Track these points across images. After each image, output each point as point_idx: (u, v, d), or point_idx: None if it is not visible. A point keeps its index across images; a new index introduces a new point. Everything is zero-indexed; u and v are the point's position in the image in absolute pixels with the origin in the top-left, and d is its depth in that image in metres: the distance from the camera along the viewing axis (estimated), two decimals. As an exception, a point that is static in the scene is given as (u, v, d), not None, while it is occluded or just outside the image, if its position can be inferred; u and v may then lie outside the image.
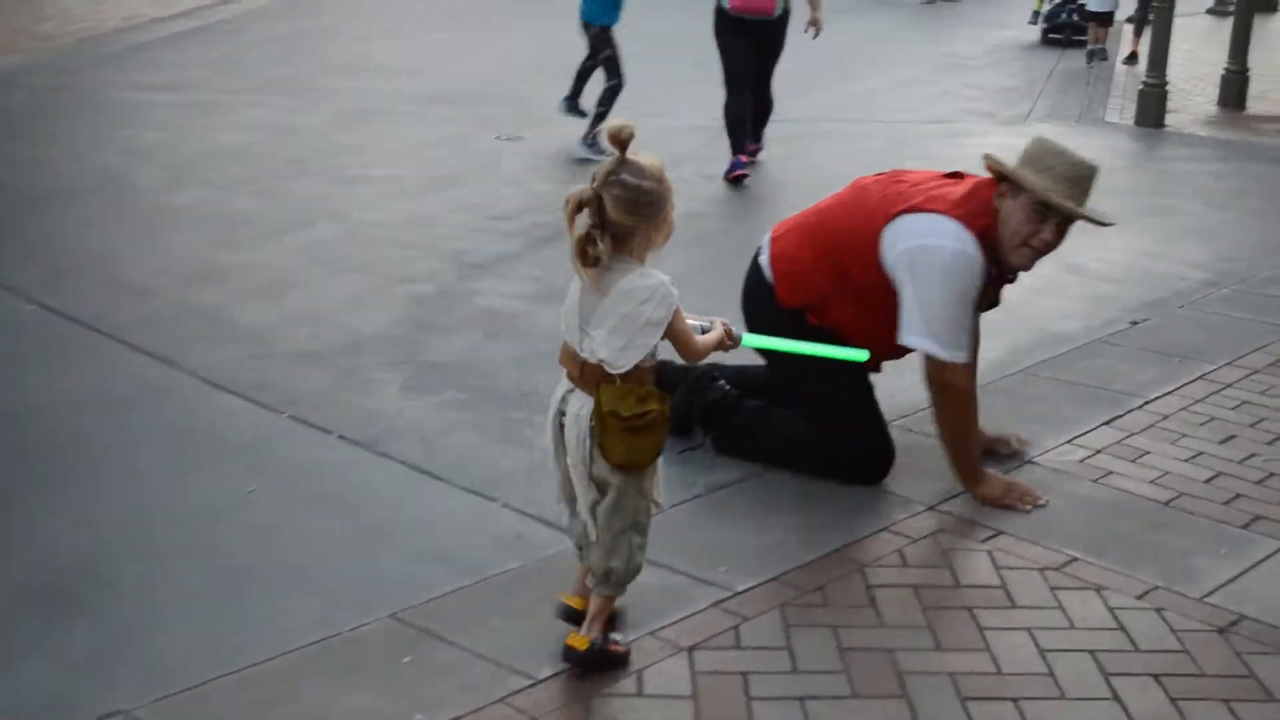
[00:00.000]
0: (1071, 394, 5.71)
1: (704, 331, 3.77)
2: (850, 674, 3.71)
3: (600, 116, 10.19)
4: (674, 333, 3.61)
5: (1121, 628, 3.98)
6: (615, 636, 3.78)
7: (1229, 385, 5.84)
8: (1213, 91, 13.17)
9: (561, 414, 3.68)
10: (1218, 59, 13.63)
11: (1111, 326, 6.64)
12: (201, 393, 5.63)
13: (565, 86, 10.80)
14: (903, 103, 12.77)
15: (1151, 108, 11.98)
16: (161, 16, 16.18)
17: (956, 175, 4.85)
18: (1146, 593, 4.17)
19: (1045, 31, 17.11)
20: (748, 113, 9.83)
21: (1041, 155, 4.55)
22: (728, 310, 4.31)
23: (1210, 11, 19.45)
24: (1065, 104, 12.95)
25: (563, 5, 13.32)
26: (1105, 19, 15.81)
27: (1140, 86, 12.21)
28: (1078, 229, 4.65)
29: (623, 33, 11.10)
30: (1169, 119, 12.05)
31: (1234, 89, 12.87)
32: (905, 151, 10.49)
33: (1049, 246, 4.61)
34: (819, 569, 4.27)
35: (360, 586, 4.16)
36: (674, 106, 11.70)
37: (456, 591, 4.14)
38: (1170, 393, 5.74)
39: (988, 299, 4.81)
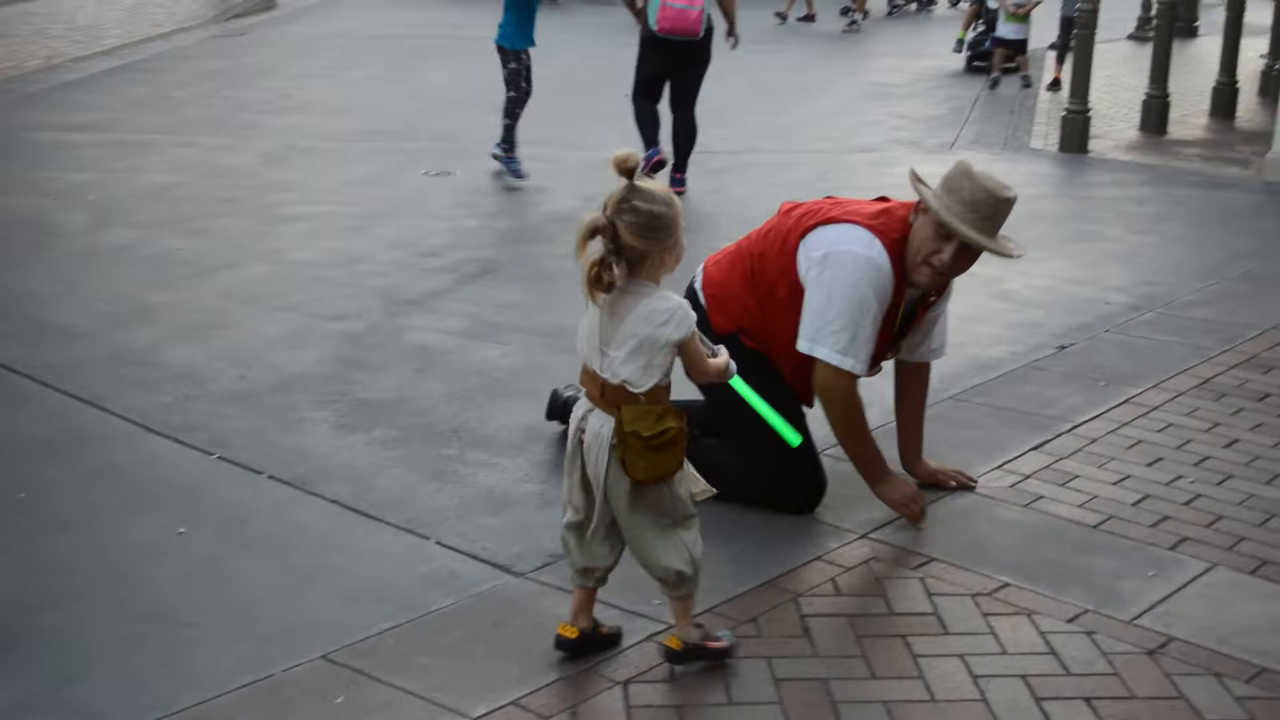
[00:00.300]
0: (1001, 419, 5.77)
1: (713, 355, 3.85)
2: (785, 705, 3.72)
3: (509, 127, 10.54)
4: (688, 351, 3.72)
5: (1053, 652, 4.01)
6: (717, 634, 3.91)
7: (1155, 408, 5.92)
8: (1135, 117, 13.35)
9: (581, 431, 3.76)
10: (1139, 84, 13.82)
11: (1039, 352, 6.70)
12: (130, 435, 5.58)
13: (492, 121, 10.80)
14: (829, 133, 12.87)
15: (1075, 134, 12.13)
16: (84, 55, 16.06)
17: (883, 200, 4.91)
18: (1077, 616, 4.21)
19: (970, 59, 17.29)
20: (656, 114, 10.24)
21: (955, 178, 4.59)
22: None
23: (1131, 37, 19.72)
24: (990, 131, 13.09)
25: (485, 42, 13.36)
26: (1016, 46, 15.94)
27: (1063, 113, 12.36)
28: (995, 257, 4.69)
29: (554, 66, 11.19)
30: (1092, 145, 12.20)
31: (1155, 114, 13.06)
32: (831, 181, 10.54)
33: (948, 268, 4.63)
34: (752, 600, 4.28)
35: (292, 628, 4.13)
36: (605, 140, 11.73)
37: (389, 630, 4.11)
38: (1097, 417, 5.80)
39: (903, 319, 4.83)
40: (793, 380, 4.85)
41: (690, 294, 5.03)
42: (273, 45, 17.45)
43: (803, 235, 4.75)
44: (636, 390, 3.65)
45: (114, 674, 3.89)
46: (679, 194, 9.70)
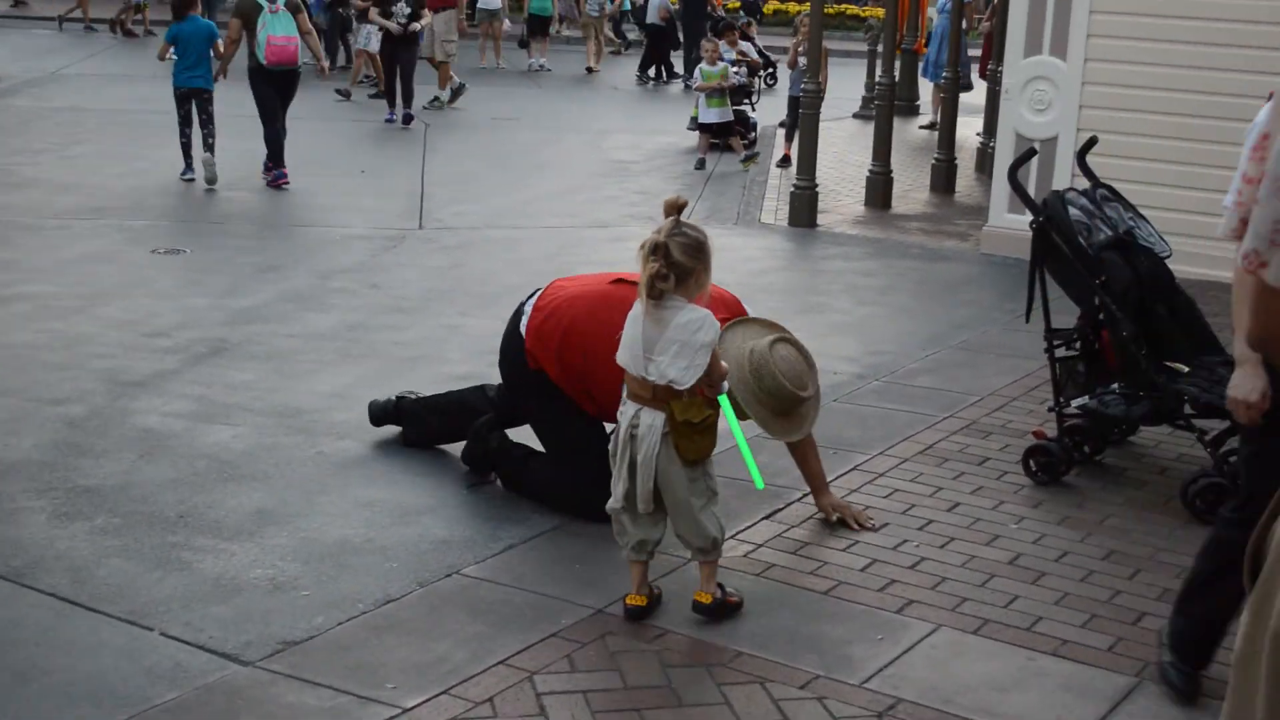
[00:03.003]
0: (734, 490, 5.82)
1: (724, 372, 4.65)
2: (521, 785, 3.68)
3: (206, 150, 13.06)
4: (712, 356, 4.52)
5: (786, 719, 4.06)
6: (730, 590, 4.75)
7: (881, 474, 6.08)
8: (860, 192, 13.77)
9: (634, 427, 4.54)
10: (864, 160, 14.29)
11: (771, 422, 6.81)
12: None
13: (226, 198, 10.63)
14: (566, 208, 12.97)
15: (803, 208, 12.44)
16: None
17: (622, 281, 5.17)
18: (808, 683, 4.28)
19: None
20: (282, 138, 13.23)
21: (762, 365, 5.18)
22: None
23: (856, 115, 20.40)
24: (723, 206, 13.35)
25: (223, 120, 13.15)
26: (717, 130, 16.15)
27: (792, 189, 12.68)
28: None
29: (291, 144, 11.18)
30: (820, 219, 12.53)
31: (879, 189, 13.49)
32: (569, 256, 10.64)
33: None
34: (489, 680, 4.25)
35: (3, 730, 3.94)
36: (340, 218, 11.63)
37: (110, 728, 3.95)
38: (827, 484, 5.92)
39: None
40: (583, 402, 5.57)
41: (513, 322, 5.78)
42: (-8, 122, 16.84)
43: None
44: (681, 388, 4.46)
45: None
46: (285, 186, 13.06)
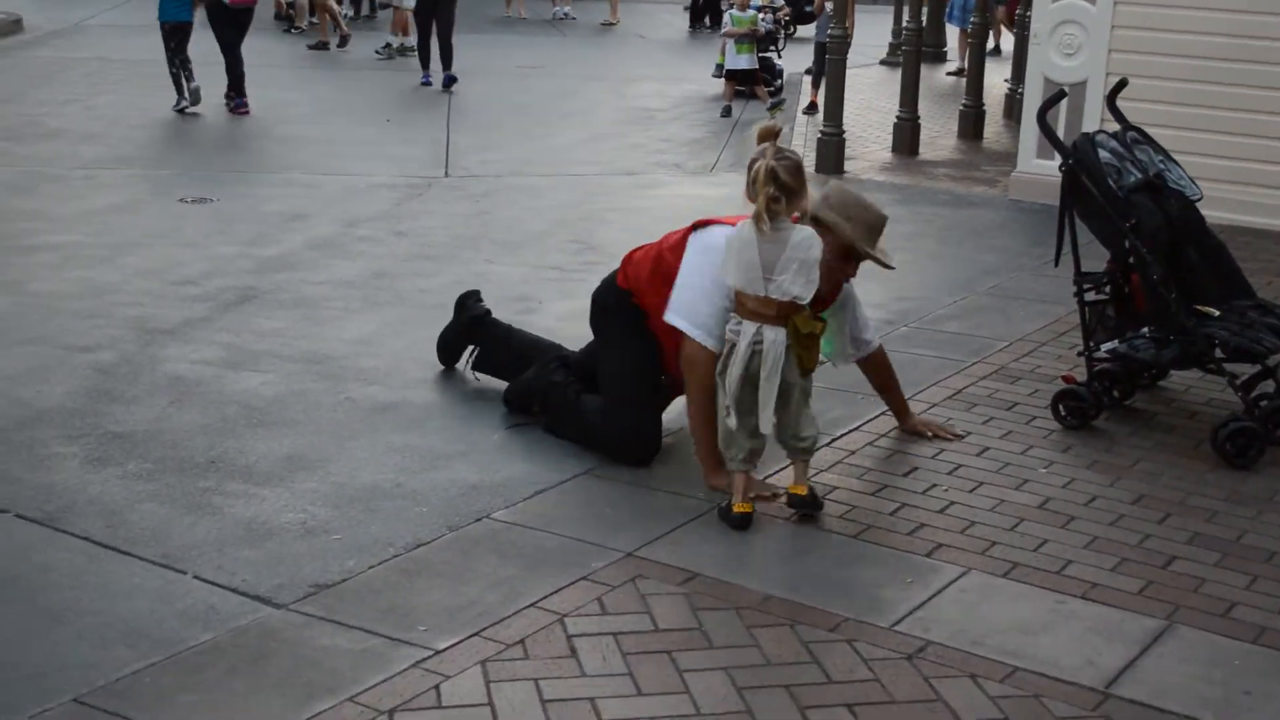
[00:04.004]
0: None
1: None
2: (553, 726, 3.70)
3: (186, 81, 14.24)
4: None
5: (815, 661, 4.08)
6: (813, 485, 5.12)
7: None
8: (887, 139, 13.71)
9: (758, 343, 4.82)
10: (891, 107, 14.20)
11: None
12: None
13: (254, 147, 10.63)
14: (593, 156, 12.94)
15: (830, 155, 12.39)
16: None
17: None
18: (838, 625, 4.29)
19: (729, 84, 17.52)
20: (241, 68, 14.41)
21: (848, 205, 5.34)
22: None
23: (883, 63, 20.25)
24: (749, 154, 13.24)
25: (271, 70, 13.14)
26: (745, 76, 16.10)
27: (819, 136, 12.63)
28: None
29: (309, 94, 11.11)
30: (848, 165, 12.48)
31: (906, 136, 13.42)
32: (595, 204, 10.62)
33: (847, 275, 5.50)
34: (519, 622, 4.26)
35: (41, 671, 3.97)
36: (364, 165, 11.62)
37: (145, 669, 3.98)
38: (855, 429, 5.93)
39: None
40: (666, 344, 5.48)
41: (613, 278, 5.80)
42: (19, 70, 16.84)
43: (695, 228, 5.38)
44: (803, 302, 4.82)
45: None
46: (244, 114, 14.23)
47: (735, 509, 4.96)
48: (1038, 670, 4.08)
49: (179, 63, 14.22)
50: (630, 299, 5.62)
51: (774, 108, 15.90)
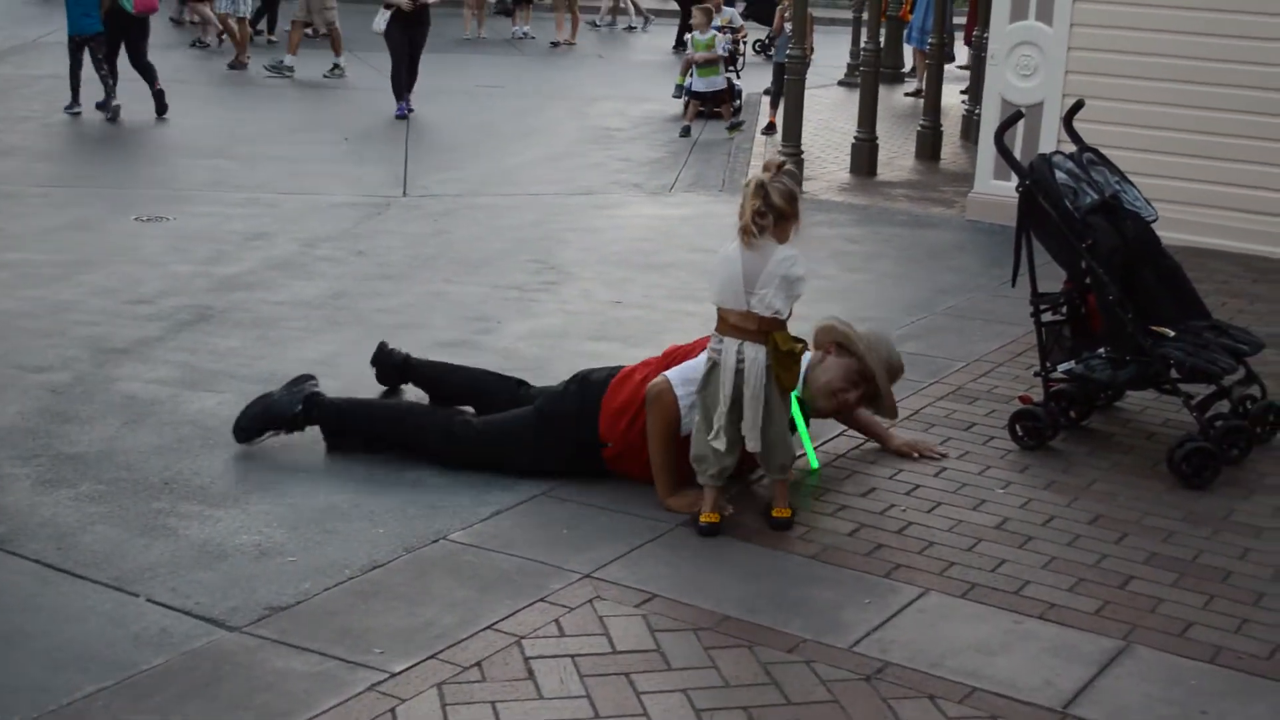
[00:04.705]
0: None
1: None
2: (509, 749, 3.68)
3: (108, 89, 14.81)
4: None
5: (774, 682, 4.07)
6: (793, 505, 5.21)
7: (868, 439, 6.06)
8: (845, 159, 13.74)
9: (740, 361, 4.91)
10: (849, 128, 14.25)
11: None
12: None
13: (213, 165, 10.56)
14: (551, 175, 12.93)
15: (789, 176, 12.42)
16: None
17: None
18: (796, 646, 4.28)
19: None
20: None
21: (878, 341, 5.71)
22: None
23: (841, 83, 20.34)
24: (708, 174, 13.31)
25: (202, 85, 13.07)
26: (708, 98, 16.11)
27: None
28: None
29: (268, 113, 11.05)
30: (806, 186, 12.49)
31: (864, 156, 13.46)
32: (555, 224, 10.61)
33: (848, 405, 5.71)
34: (476, 644, 4.23)
35: (-11, 696, 3.92)
36: (322, 184, 11.58)
37: (97, 693, 3.94)
38: (815, 449, 5.92)
39: None
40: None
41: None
42: (-27, 89, 16.73)
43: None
44: (783, 318, 4.92)
45: None
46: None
47: (703, 518, 5.05)
48: (996, 691, 4.08)
49: (79, 75, 14.79)
50: (601, 450, 5.53)
51: (733, 128, 15.92)
